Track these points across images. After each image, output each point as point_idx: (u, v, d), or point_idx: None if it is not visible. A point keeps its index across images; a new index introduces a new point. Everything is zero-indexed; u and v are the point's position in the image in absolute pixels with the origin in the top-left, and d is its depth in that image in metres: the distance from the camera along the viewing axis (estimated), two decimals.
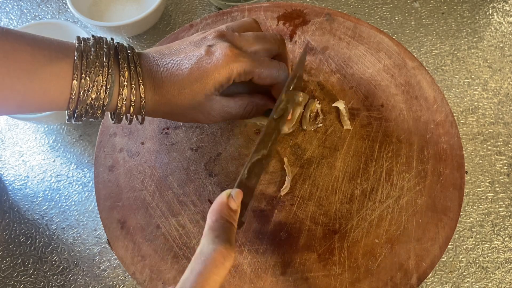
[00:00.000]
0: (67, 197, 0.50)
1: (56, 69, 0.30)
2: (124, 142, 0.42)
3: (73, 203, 0.49)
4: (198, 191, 0.39)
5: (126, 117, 0.34)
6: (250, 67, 0.33)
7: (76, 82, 0.30)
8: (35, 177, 0.51)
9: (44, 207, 0.49)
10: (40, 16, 0.63)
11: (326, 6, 0.61)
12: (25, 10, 0.64)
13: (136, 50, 0.34)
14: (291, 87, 0.37)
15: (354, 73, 0.43)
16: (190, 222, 0.38)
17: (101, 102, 0.31)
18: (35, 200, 0.50)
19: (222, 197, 0.28)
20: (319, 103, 0.41)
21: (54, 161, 0.52)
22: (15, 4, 0.64)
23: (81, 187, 0.50)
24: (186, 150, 0.41)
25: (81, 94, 0.30)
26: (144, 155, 0.41)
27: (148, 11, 0.53)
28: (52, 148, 0.53)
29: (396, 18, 0.59)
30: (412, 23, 0.59)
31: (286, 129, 0.39)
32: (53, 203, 0.49)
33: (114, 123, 0.34)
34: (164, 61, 0.33)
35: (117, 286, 0.45)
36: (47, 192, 0.50)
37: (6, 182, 0.51)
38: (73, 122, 0.33)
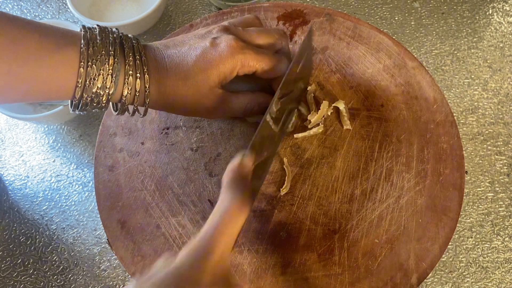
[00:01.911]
0: (67, 197, 0.50)
1: (63, 56, 0.30)
2: (124, 142, 0.42)
3: (73, 203, 0.49)
4: (198, 191, 0.39)
5: (128, 109, 0.34)
6: (254, 60, 0.34)
7: (83, 70, 0.30)
8: (35, 177, 0.51)
9: (44, 207, 0.49)
10: (40, 16, 0.63)
11: (326, 6, 0.61)
12: (25, 10, 0.64)
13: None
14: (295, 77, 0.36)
15: (354, 73, 0.43)
16: (190, 222, 0.38)
17: (107, 90, 0.31)
18: (35, 200, 0.50)
19: (236, 159, 0.29)
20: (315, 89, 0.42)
21: (54, 161, 0.52)
22: (15, 4, 0.64)
23: (81, 187, 0.50)
24: (186, 150, 0.41)
25: (87, 82, 0.30)
26: (144, 155, 0.41)
27: (148, 11, 0.53)
28: (52, 148, 0.52)
29: (396, 18, 0.59)
30: (412, 23, 0.59)
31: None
32: (53, 203, 0.49)
33: (117, 114, 0.34)
34: (169, 52, 0.34)
35: (117, 286, 0.45)
36: (47, 192, 0.50)
37: (6, 182, 0.51)
38: (77, 112, 0.32)
